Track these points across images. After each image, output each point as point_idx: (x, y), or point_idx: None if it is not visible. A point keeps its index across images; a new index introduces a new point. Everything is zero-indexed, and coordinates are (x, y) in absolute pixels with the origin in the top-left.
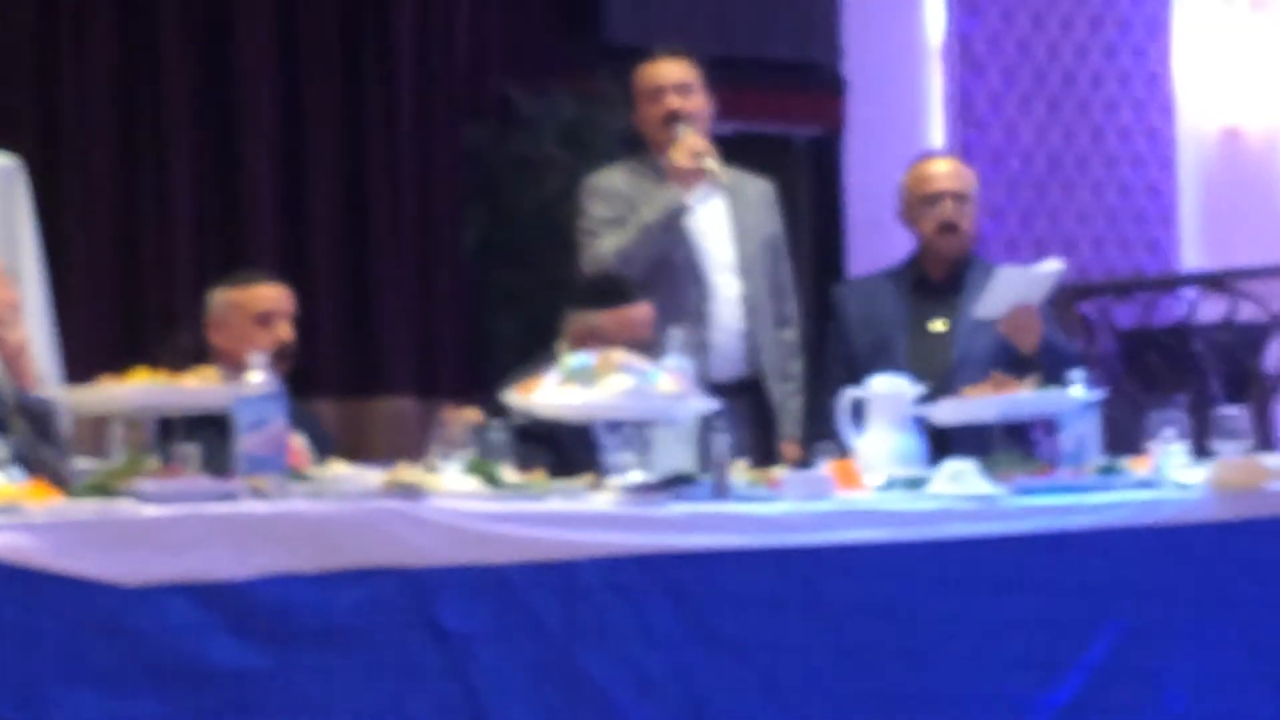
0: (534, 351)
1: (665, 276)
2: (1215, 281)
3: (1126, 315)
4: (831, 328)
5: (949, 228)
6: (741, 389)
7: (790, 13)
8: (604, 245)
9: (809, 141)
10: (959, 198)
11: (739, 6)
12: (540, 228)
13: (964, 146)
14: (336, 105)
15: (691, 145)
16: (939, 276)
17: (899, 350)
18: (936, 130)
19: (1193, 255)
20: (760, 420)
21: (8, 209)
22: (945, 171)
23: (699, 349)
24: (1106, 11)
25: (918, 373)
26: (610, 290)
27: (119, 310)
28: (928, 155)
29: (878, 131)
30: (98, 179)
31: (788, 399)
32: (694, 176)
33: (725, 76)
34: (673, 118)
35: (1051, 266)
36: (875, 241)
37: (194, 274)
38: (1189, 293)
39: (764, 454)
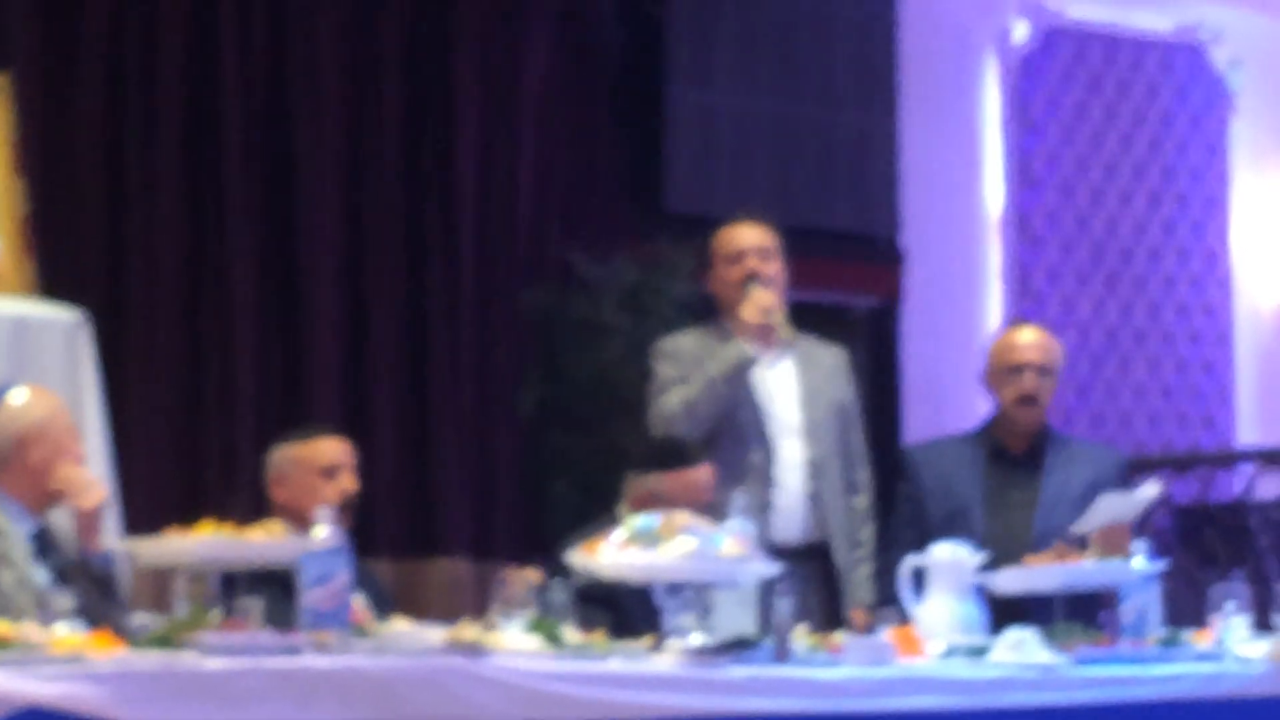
0: (588, 515)
1: (730, 437)
2: (1273, 458)
3: (1183, 491)
4: (904, 490)
5: (1028, 400)
6: (807, 553)
7: (850, 183)
8: (670, 400)
9: (867, 311)
10: (1042, 371)
11: (799, 176)
12: (598, 392)
13: (1020, 319)
14: (399, 266)
15: (760, 301)
16: (1018, 449)
17: (975, 521)
18: (994, 302)
19: (1250, 431)
20: (826, 585)
21: (72, 363)
22: (1030, 343)
23: (762, 510)
24: (1165, 188)
25: (994, 545)
26: (671, 453)
27: (180, 464)
28: (1017, 323)
29: (935, 302)
30: (162, 334)
31: (857, 566)
32: (762, 333)
33: (784, 245)
34: (751, 278)
35: (1150, 491)
36: (932, 411)
37: (255, 432)
38: (1246, 469)
39: (829, 619)
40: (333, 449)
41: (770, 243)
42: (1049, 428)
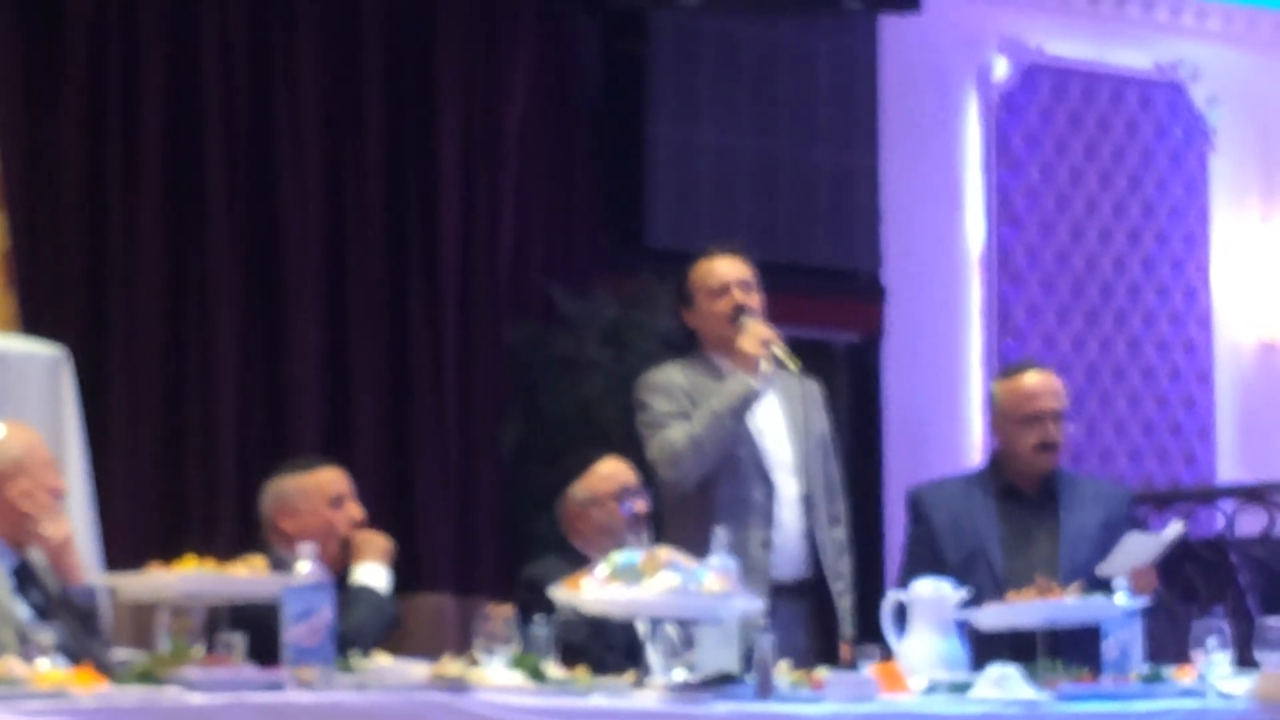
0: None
1: (732, 474)
2: (1253, 494)
3: (1164, 527)
4: (915, 533)
5: (1050, 448)
6: (803, 589)
7: (831, 219)
8: (673, 434)
9: (848, 347)
10: (1058, 416)
11: (781, 212)
12: (579, 428)
13: (1001, 355)
14: (381, 303)
15: (759, 333)
16: (1030, 488)
17: (995, 561)
18: (975, 339)
19: (1230, 468)
20: (822, 621)
21: (53, 398)
22: (1047, 389)
23: (765, 548)
24: (1145, 225)
25: (1016, 585)
26: None
27: (162, 499)
28: (1024, 367)
29: (917, 338)
30: (143, 369)
31: (839, 598)
32: (753, 365)
33: (766, 281)
34: (739, 312)
35: (1174, 531)
36: (914, 447)
37: (237, 467)
38: (1227, 505)
39: (826, 655)
40: (336, 478)
41: (750, 275)
42: (1057, 466)
